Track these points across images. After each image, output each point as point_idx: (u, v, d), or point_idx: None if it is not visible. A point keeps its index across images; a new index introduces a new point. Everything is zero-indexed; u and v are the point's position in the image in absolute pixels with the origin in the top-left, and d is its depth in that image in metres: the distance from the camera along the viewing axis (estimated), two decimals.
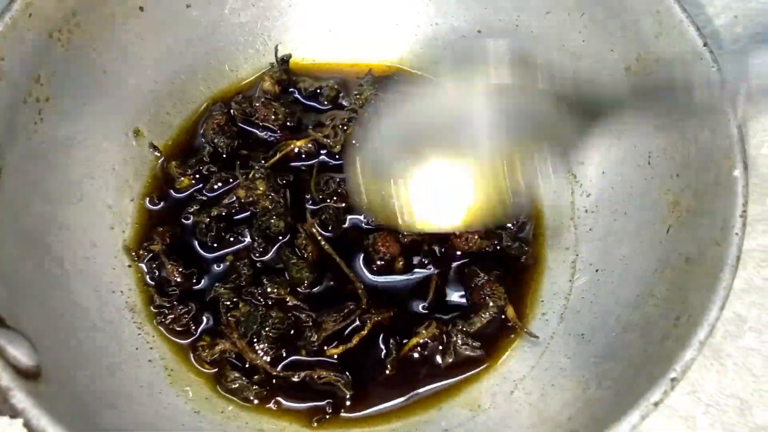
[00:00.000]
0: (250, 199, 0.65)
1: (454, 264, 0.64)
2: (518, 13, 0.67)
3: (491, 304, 0.61)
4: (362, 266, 0.64)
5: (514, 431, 0.54)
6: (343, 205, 0.66)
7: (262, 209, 0.65)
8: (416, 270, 0.64)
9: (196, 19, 0.69)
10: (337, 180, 0.66)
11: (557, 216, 0.67)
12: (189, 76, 0.70)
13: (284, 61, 0.73)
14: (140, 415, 0.54)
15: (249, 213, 0.66)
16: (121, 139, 0.66)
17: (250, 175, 0.65)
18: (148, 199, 0.67)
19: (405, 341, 0.60)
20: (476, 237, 0.64)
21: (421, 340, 0.60)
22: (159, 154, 0.69)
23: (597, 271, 0.62)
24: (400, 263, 0.64)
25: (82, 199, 0.62)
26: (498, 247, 0.65)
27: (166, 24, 0.67)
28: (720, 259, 0.48)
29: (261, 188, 0.65)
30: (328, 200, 0.66)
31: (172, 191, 0.67)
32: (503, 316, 0.62)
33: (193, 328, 0.61)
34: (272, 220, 0.64)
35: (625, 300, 0.57)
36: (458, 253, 0.65)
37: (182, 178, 0.67)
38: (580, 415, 0.50)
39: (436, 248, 0.65)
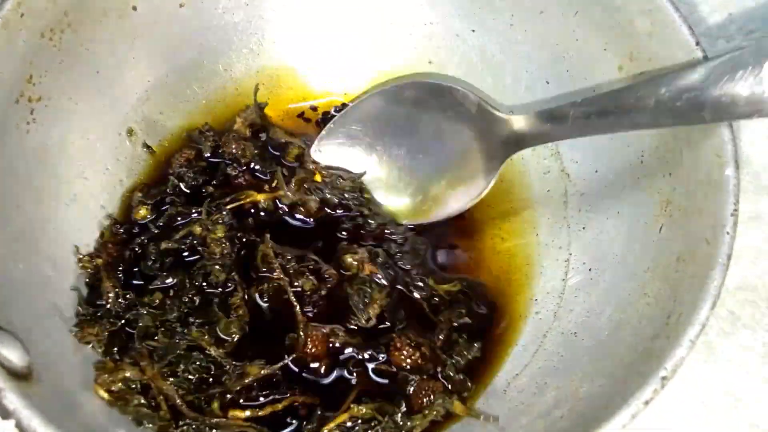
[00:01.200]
0: (203, 237, 0.63)
1: (380, 379, 0.60)
2: (512, 12, 0.67)
3: (434, 406, 0.56)
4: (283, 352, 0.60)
5: (506, 430, 0.54)
6: (286, 282, 0.62)
7: (210, 254, 0.62)
8: (340, 375, 0.60)
9: (189, 18, 0.68)
10: (287, 257, 0.63)
11: (551, 215, 0.68)
12: (182, 75, 0.70)
13: (261, 107, 0.72)
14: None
15: (197, 256, 0.63)
16: (115, 138, 0.66)
17: (213, 217, 0.63)
18: (113, 223, 0.65)
19: (330, 415, 0.56)
20: (417, 354, 0.59)
21: (348, 422, 0.55)
22: (152, 154, 0.69)
23: (590, 269, 0.62)
24: (323, 367, 0.59)
25: (74, 199, 0.62)
26: (439, 373, 0.59)
27: (159, 23, 0.67)
28: (711, 258, 0.48)
29: (219, 234, 0.63)
30: (273, 273, 0.62)
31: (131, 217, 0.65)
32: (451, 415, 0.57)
33: (104, 346, 0.57)
34: (216, 268, 0.62)
35: (618, 298, 0.57)
36: (393, 368, 0.59)
37: (140, 208, 0.65)
38: (572, 413, 0.50)
39: (368, 358, 0.60)
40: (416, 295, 0.64)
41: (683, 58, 0.55)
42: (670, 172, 0.56)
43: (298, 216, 0.68)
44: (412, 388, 0.57)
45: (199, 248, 0.63)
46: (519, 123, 0.63)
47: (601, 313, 0.57)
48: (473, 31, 0.71)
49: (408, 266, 0.65)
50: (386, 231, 0.67)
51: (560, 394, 0.53)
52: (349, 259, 0.63)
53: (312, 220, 0.68)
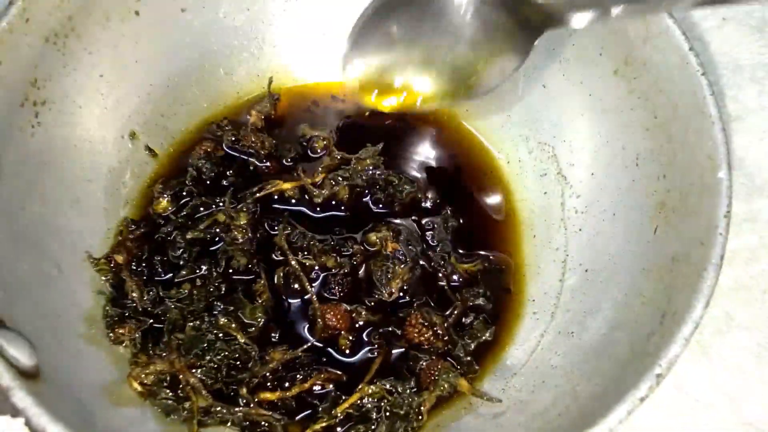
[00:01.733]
0: (227, 224, 0.64)
1: (396, 351, 0.61)
2: None
3: (441, 382, 0.58)
4: (306, 334, 0.62)
5: (505, 428, 0.54)
6: (313, 264, 0.64)
7: (231, 239, 0.64)
8: (365, 354, 0.61)
9: (190, 22, 0.69)
10: (309, 236, 0.64)
11: (548, 216, 0.68)
12: (183, 79, 0.71)
13: (275, 98, 0.73)
14: (138, 414, 0.55)
15: (221, 243, 0.65)
16: (117, 141, 0.67)
17: (238, 206, 0.64)
18: (127, 223, 0.65)
19: (344, 398, 0.58)
20: (430, 333, 0.60)
21: (359, 401, 0.57)
22: (154, 157, 0.69)
23: (586, 270, 0.63)
24: (347, 341, 0.61)
25: (78, 201, 0.62)
26: (448, 351, 0.61)
27: (161, 28, 0.67)
28: (705, 258, 0.49)
29: (243, 221, 0.64)
30: (298, 255, 0.64)
31: (151, 211, 0.66)
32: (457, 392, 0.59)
33: (138, 343, 0.59)
34: (237, 253, 0.63)
35: (614, 298, 0.58)
36: (407, 342, 0.61)
37: (161, 200, 0.66)
38: (570, 411, 0.51)
39: (388, 329, 0.62)
40: (438, 272, 0.65)
41: (677, 63, 0.56)
42: (665, 174, 0.57)
43: (333, 206, 0.69)
44: (421, 368, 0.59)
45: (221, 234, 0.65)
46: None
47: (598, 313, 0.58)
48: None
49: (434, 241, 0.67)
50: (418, 197, 0.69)
51: (558, 392, 0.54)
52: (373, 237, 0.65)
53: (345, 208, 0.68)
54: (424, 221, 0.68)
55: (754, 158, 0.73)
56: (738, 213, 0.68)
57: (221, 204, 0.66)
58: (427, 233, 0.67)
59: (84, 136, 0.63)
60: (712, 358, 0.64)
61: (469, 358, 0.61)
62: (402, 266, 0.64)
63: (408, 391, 0.57)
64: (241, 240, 0.64)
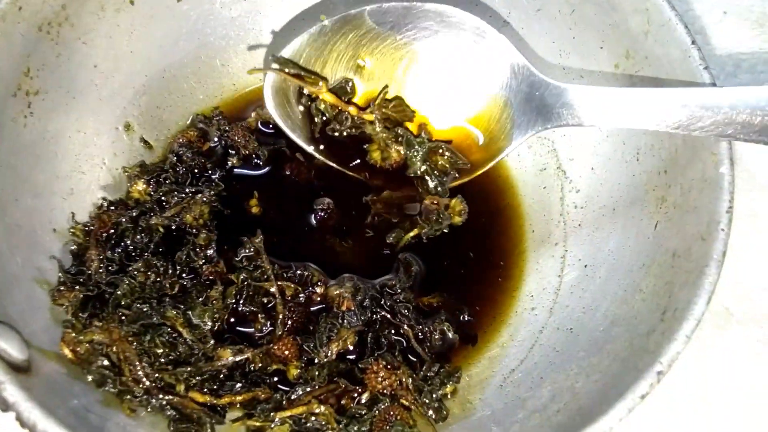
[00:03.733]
0: (192, 223, 0.63)
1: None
2: (509, 9, 0.67)
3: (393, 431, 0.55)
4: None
5: (503, 425, 0.54)
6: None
7: (194, 243, 0.62)
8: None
9: (186, 13, 0.68)
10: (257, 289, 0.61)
11: (547, 211, 0.68)
12: (179, 70, 0.70)
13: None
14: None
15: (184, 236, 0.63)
16: (112, 133, 0.66)
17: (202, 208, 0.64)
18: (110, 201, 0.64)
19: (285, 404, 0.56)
20: (394, 377, 0.57)
21: (302, 417, 0.55)
22: (149, 149, 0.69)
23: (586, 266, 0.62)
24: (295, 371, 0.58)
25: (72, 193, 0.62)
26: (415, 401, 0.57)
27: (157, 18, 0.66)
28: (706, 254, 0.49)
29: (205, 213, 0.64)
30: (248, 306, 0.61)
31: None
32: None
33: (77, 308, 0.56)
34: (198, 256, 0.61)
35: (613, 294, 0.57)
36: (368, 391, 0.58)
37: (137, 183, 0.64)
38: (569, 408, 0.50)
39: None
40: (403, 326, 0.61)
41: (679, 57, 0.55)
42: (666, 169, 0.57)
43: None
44: (378, 410, 0.56)
45: (188, 230, 0.63)
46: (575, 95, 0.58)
47: (597, 309, 0.58)
48: None
49: (398, 291, 0.63)
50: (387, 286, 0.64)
51: (556, 388, 0.54)
52: (334, 291, 0.62)
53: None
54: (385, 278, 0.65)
55: (754, 155, 0.73)
56: (738, 209, 0.68)
57: (191, 193, 0.64)
58: (388, 286, 0.63)
59: (77, 127, 0.63)
60: (711, 353, 0.64)
61: (437, 405, 0.58)
62: (348, 330, 0.60)
63: (356, 428, 0.55)
64: (203, 245, 0.62)
